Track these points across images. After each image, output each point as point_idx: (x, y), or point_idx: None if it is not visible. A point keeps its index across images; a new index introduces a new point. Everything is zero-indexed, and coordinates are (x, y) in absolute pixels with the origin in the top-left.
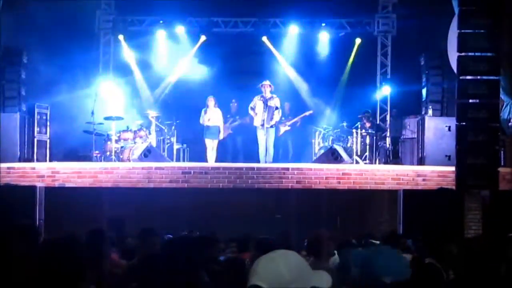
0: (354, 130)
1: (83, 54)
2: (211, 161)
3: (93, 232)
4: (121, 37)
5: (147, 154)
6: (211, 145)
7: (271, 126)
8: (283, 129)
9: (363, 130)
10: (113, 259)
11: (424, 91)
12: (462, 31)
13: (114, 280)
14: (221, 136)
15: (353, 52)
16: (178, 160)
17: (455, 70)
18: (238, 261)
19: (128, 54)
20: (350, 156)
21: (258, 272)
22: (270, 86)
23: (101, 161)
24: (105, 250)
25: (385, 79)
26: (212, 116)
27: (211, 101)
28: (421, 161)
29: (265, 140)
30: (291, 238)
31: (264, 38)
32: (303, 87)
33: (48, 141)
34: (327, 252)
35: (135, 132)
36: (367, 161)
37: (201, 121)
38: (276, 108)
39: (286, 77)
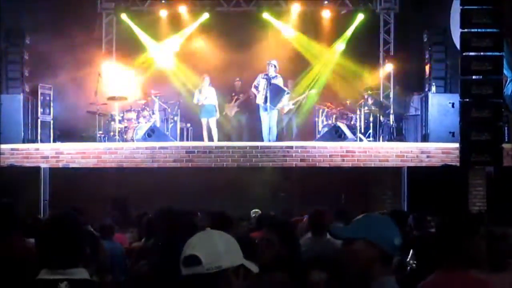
0: (357, 108)
1: (86, 34)
2: (210, 139)
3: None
4: (124, 15)
5: (151, 134)
6: (209, 124)
7: (276, 108)
8: (286, 107)
9: (366, 107)
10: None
11: (427, 68)
12: (465, 7)
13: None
14: (218, 115)
15: (352, 26)
16: (182, 139)
17: (458, 47)
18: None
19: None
20: (354, 133)
21: (193, 244)
22: (275, 66)
23: (105, 141)
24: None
25: (388, 56)
26: (208, 94)
27: (206, 80)
28: (425, 138)
29: (268, 119)
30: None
31: (266, 15)
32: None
33: (51, 122)
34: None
35: (138, 112)
36: (371, 138)
37: (194, 101)
38: (288, 93)
39: (290, 54)
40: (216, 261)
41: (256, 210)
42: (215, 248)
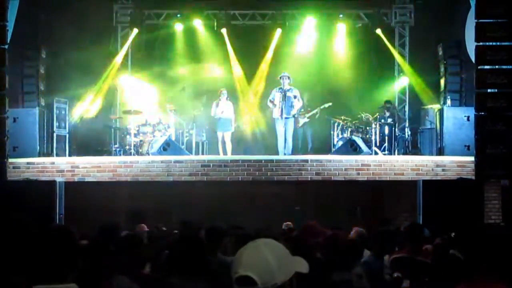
0: (373, 121)
1: (102, 48)
2: (224, 153)
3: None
4: (134, 30)
5: (166, 147)
6: (224, 138)
7: (293, 116)
8: (302, 120)
9: (383, 120)
10: None
11: (442, 81)
12: (480, 20)
13: None
14: (233, 129)
15: (389, 42)
16: (197, 153)
17: (473, 60)
18: None
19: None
20: (369, 147)
21: (245, 262)
22: (288, 78)
23: (120, 155)
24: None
25: (403, 69)
26: (225, 108)
27: (223, 94)
28: (440, 151)
29: (283, 132)
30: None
31: (279, 30)
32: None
33: (67, 135)
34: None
35: (154, 125)
36: (386, 152)
37: (212, 114)
38: (295, 97)
39: (304, 67)
40: (271, 280)
41: (288, 223)
42: (268, 266)
